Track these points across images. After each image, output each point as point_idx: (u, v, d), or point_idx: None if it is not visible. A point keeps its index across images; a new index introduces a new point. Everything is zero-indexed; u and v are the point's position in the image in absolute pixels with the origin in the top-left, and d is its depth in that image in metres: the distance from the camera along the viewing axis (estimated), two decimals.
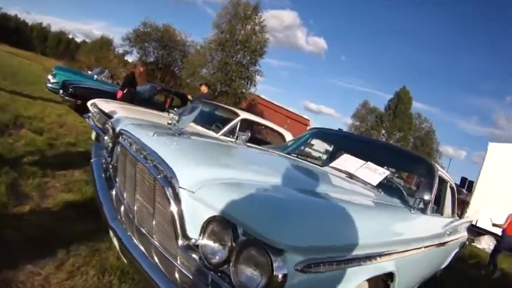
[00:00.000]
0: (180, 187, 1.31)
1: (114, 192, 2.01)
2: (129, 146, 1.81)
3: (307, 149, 3.60)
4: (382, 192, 2.33)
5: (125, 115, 3.68)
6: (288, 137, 5.35)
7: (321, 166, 2.60)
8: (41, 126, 4.93)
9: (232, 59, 26.25)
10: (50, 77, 9.85)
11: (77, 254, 1.93)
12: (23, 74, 14.10)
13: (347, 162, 2.61)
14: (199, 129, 4.21)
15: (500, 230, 6.63)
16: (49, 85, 9.58)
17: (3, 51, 31.10)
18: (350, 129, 53.48)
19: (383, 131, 48.82)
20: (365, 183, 2.38)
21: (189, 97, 8.49)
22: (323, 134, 3.65)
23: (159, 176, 1.39)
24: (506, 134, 70.16)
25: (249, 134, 3.27)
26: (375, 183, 2.39)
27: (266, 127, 5.39)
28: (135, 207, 1.63)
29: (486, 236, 8.80)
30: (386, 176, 2.52)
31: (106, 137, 2.55)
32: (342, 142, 3.49)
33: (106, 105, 4.38)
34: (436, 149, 51.11)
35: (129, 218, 1.69)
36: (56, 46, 76.51)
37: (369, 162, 2.59)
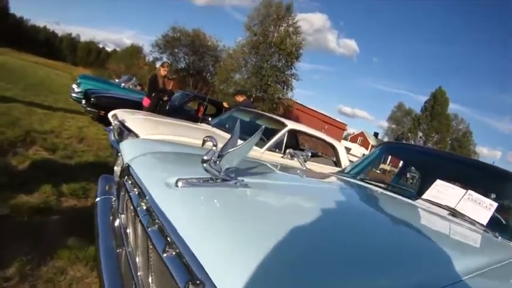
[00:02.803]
0: None
1: (124, 253, 1.22)
2: (137, 199, 1.09)
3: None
4: (500, 237, 1.80)
5: (143, 131, 3.20)
6: (341, 149, 4.78)
7: (412, 200, 2.07)
8: (55, 142, 4.43)
9: (267, 62, 25.11)
10: (74, 86, 9.28)
11: None
12: (48, 84, 13.42)
13: (443, 192, 2.07)
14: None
15: None
16: (73, 95, 9.03)
17: (29, 61, 29.50)
18: (387, 132, 51.95)
19: (420, 134, 46.78)
20: (473, 222, 1.85)
21: (225, 105, 7.78)
22: (396, 149, 3.10)
23: None
24: None
25: (309, 154, 2.82)
26: (484, 222, 1.85)
27: (317, 138, 4.84)
28: None
29: None
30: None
31: (116, 168, 1.87)
32: (420, 159, 2.88)
33: (128, 116, 3.77)
34: (473, 151, 48.79)
35: None
36: (86, 56, 76.48)
37: (469, 191, 2.06)
